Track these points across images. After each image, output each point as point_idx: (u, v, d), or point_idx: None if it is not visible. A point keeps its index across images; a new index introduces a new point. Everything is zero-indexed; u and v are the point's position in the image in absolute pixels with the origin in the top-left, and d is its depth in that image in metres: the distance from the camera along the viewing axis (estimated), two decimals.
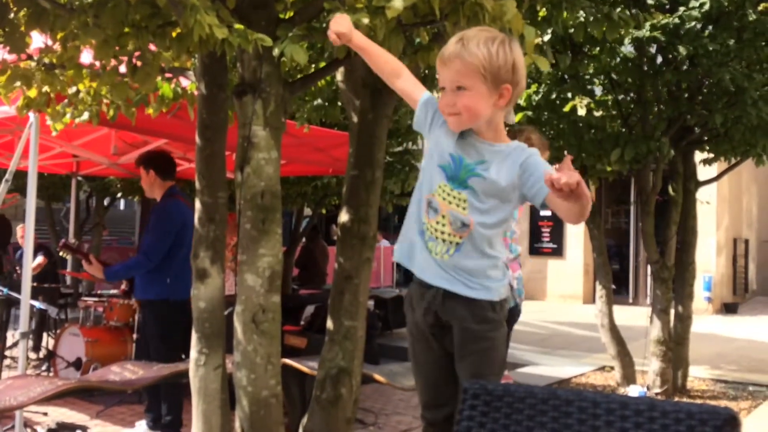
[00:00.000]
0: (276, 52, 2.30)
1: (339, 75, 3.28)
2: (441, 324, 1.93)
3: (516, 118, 5.53)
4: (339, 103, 4.52)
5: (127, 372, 3.51)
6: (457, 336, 1.91)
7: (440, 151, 1.91)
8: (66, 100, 3.40)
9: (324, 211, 9.34)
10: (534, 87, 4.92)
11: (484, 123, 1.86)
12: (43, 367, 5.53)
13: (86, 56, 3.02)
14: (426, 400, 2.03)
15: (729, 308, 12.08)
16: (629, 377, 5.32)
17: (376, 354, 6.19)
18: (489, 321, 1.89)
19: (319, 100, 4.39)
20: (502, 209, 1.87)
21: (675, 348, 5.36)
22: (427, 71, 3.76)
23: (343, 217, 3.15)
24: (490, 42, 1.80)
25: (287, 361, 3.43)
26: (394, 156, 7.67)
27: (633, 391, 5.13)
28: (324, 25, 2.43)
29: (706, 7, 4.25)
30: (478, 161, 1.86)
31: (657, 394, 5.24)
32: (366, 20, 2.12)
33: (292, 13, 2.77)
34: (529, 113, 4.96)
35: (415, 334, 2.01)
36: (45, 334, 6.36)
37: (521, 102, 4.89)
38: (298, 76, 3.48)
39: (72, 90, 3.27)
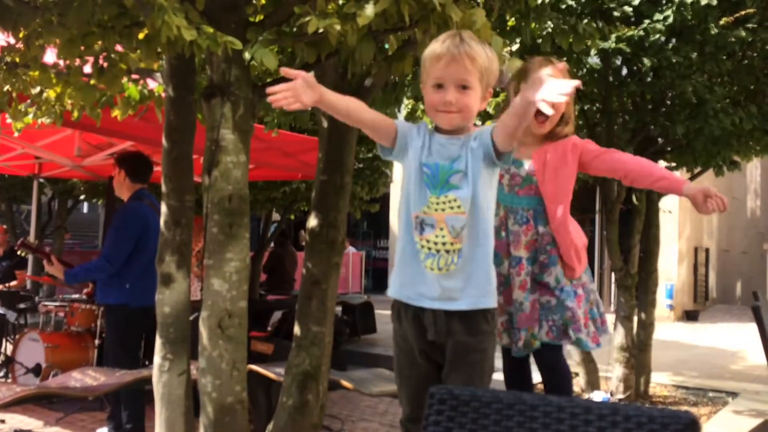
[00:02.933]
0: (246, 56, 2.29)
1: None
2: (433, 342, 1.92)
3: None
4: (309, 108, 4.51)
5: (88, 378, 3.44)
6: (450, 350, 1.90)
7: (416, 167, 1.89)
8: (29, 101, 3.33)
9: (292, 217, 9.30)
10: (503, 95, 4.97)
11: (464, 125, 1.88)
12: (1, 374, 5.39)
13: (50, 56, 2.97)
14: (408, 412, 2.01)
15: (690, 316, 12.35)
16: (593, 383, 5.39)
17: (343, 360, 6.19)
18: (482, 332, 1.88)
19: None
20: (486, 184, 1.87)
21: (638, 354, 5.45)
22: (396, 79, 3.77)
23: (312, 221, 3.14)
24: (484, 46, 1.86)
25: (253, 367, 3.40)
26: (363, 162, 7.68)
27: (596, 396, 5.19)
28: (294, 29, 2.43)
29: (670, 20, 4.35)
30: (452, 159, 1.86)
31: (620, 399, 5.31)
32: (337, 27, 2.12)
33: (262, 17, 2.76)
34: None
35: (401, 345, 1.99)
36: (3, 340, 6.19)
37: (489, 110, 4.93)
38: (268, 79, 3.47)
39: (35, 90, 3.20)
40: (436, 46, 1.86)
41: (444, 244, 1.84)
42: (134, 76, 3.18)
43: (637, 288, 5.52)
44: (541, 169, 2.41)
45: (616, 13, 4.50)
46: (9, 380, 5.09)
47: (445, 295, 1.86)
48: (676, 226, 12.00)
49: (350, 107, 1.87)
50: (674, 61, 4.42)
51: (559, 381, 2.51)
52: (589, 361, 5.39)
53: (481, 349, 1.89)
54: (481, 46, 1.85)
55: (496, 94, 5.01)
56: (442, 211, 1.85)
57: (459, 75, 1.82)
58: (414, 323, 1.93)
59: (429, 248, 1.86)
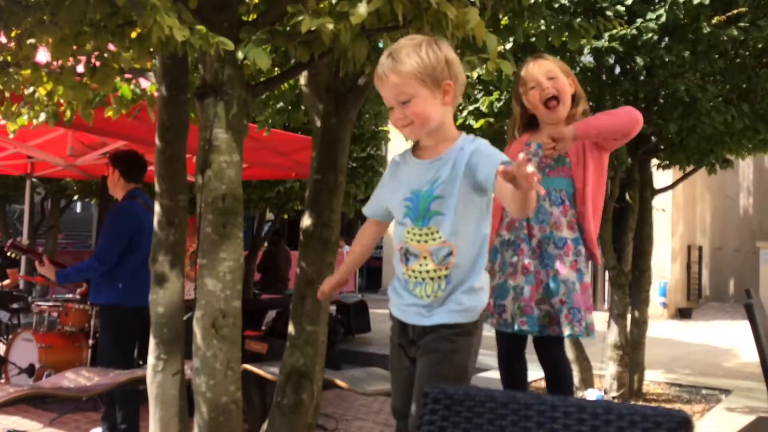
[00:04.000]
0: (239, 55, 2.28)
1: (302, 79, 3.27)
2: (411, 339, 1.95)
3: (477, 124, 5.47)
4: (302, 107, 4.51)
5: (82, 378, 3.43)
6: (424, 341, 1.91)
7: (397, 205, 1.93)
8: (22, 102, 3.32)
9: (286, 216, 9.28)
10: (496, 94, 4.98)
11: (435, 126, 1.87)
12: None
13: (43, 55, 2.95)
14: (395, 407, 2.04)
15: (683, 313, 12.40)
16: (587, 381, 5.40)
17: (337, 359, 6.18)
18: (456, 326, 1.88)
19: (282, 104, 4.37)
20: (470, 207, 1.85)
21: (631, 352, 5.47)
22: None
23: (306, 221, 3.14)
24: (417, 47, 1.82)
25: (248, 366, 3.40)
26: (357, 161, 7.67)
27: (590, 394, 5.21)
28: (287, 28, 2.42)
29: (663, 19, 4.36)
30: (431, 183, 1.87)
31: (614, 397, 5.33)
32: (330, 26, 2.12)
33: (255, 16, 2.75)
34: (491, 120, 5.01)
35: (393, 340, 2.03)
36: None
37: (483, 108, 4.94)
38: (261, 78, 3.46)
39: (29, 90, 3.19)
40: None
41: (428, 272, 1.86)
42: (127, 76, 3.17)
43: (631, 286, 5.54)
44: (574, 151, 2.45)
45: (609, 12, 4.51)
46: (2, 381, 5.07)
47: (433, 317, 1.89)
48: (669, 224, 12.04)
49: (358, 259, 2.17)
50: (667, 60, 4.44)
51: (561, 374, 2.51)
52: (582, 359, 5.41)
53: (453, 340, 1.87)
54: (413, 50, 1.80)
55: (488, 93, 5.01)
56: (424, 243, 1.87)
57: (392, 93, 1.83)
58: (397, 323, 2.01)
59: (416, 277, 1.89)
